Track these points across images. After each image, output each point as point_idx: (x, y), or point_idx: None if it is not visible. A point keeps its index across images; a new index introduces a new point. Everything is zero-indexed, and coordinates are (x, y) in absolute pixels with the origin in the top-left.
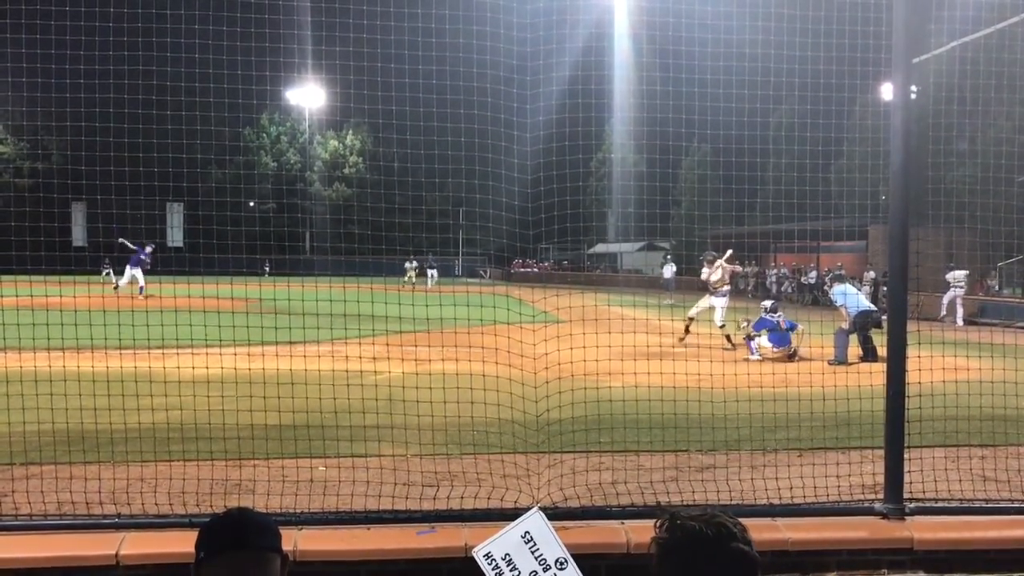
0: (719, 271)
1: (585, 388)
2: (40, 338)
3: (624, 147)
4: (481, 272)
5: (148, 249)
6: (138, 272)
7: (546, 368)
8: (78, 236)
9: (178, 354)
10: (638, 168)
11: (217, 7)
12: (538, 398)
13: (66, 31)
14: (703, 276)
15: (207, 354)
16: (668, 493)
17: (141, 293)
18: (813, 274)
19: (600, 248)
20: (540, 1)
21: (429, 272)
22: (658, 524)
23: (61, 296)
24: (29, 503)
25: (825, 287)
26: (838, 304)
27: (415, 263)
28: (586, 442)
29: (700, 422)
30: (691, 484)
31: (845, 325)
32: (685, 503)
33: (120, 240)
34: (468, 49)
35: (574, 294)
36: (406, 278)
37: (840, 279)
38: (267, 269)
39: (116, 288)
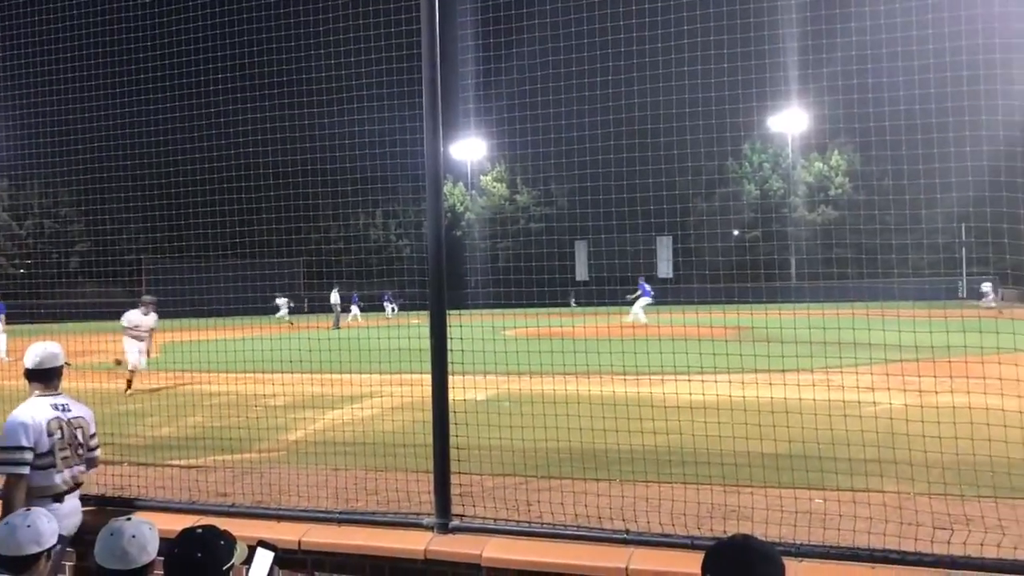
0: None
1: None
2: (557, 364)
3: None
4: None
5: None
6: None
7: None
8: (581, 272)
9: (675, 380)
10: None
11: (705, 45)
12: None
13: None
14: None
15: (701, 381)
16: None
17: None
18: None
19: None
20: None
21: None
22: None
23: (573, 327)
24: (552, 512)
25: None
26: None
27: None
28: None
29: None
30: None
31: None
32: None
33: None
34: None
35: None
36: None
37: None
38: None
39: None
